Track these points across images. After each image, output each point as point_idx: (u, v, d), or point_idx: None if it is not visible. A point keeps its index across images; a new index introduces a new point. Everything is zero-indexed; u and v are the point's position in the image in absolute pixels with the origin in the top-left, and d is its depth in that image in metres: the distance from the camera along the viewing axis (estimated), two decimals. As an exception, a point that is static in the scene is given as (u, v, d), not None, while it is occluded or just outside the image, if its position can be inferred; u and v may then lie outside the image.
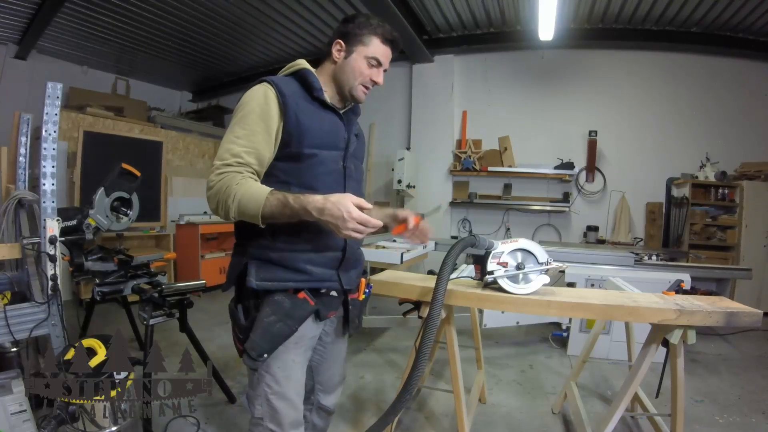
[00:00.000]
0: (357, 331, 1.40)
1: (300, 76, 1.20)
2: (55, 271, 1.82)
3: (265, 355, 1.12)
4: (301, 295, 1.16)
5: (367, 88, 1.23)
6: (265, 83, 1.14)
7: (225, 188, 1.06)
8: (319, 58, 1.29)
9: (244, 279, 1.15)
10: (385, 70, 1.24)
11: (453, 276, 1.68)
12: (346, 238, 1.05)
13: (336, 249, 1.21)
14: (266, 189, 1.05)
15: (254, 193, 1.04)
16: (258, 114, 1.11)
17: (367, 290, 1.38)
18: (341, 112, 1.27)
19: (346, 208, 0.99)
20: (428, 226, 1.27)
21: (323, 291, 1.20)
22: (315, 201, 1.01)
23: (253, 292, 1.15)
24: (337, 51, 1.22)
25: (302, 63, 1.24)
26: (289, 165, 1.15)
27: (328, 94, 1.23)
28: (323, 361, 1.39)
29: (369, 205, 1.05)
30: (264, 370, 1.16)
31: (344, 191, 1.18)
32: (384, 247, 3.20)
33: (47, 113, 1.83)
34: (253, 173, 1.11)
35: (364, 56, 1.19)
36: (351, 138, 1.26)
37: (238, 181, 1.06)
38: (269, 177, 1.15)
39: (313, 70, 1.23)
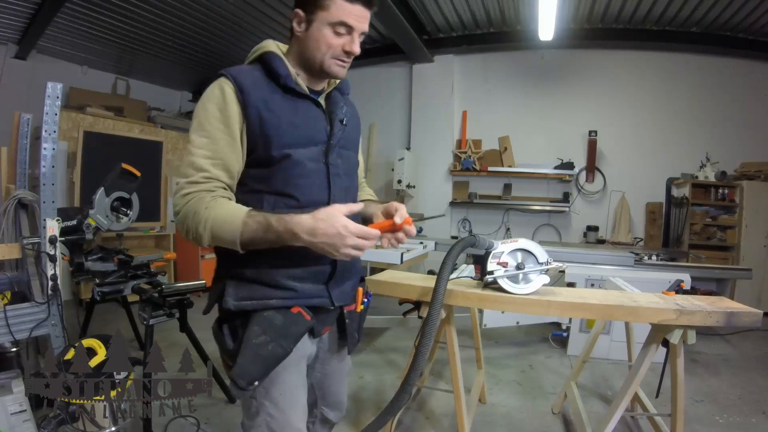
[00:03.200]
0: (356, 346, 1.26)
1: (264, 62, 1.02)
2: (55, 271, 1.82)
3: (256, 383, 0.95)
4: (296, 309, 1.00)
5: (342, 60, 1.01)
6: (222, 77, 0.97)
7: (193, 214, 0.90)
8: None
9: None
10: (363, 34, 1.01)
11: (453, 276, 1.68)
12: (344, 258, 0.88)
13: (323, 262, 1.03)
14: (242, 211, 0.89)
15: (228, 217, 0.88)
16: (217, 117, 0.95)
17: (366, 300, 1.24)
18: (324, 94, 1.09)
19: (341, 222, 0.83)
20: (413, 231, 1.03)
21: (320, 305, 1.06)
22: (302, 222, 0.85)
23: (240, 311, 1.00)
24: (297, 23, 1.01)
25: (267, 45, 1.05)
26: (259, 171, 0.99)
27: (301, 77, 1.04)
28: (325, 377, 1.26)
29: (358, 207, 0.91)
30: (263, 399, 1.00)
31: (329, 193, 1.04)
32: (383, 247, 3.19)
33: (47, 113, 1.84)
34: (225, 188, 0.96)
35: (328, 23, 0.97)
36: (335, 126, 1.07)
37: (207, 204, 0.90)
38: (240, 186, 1.01)
39: (280, 52, 1.04)
